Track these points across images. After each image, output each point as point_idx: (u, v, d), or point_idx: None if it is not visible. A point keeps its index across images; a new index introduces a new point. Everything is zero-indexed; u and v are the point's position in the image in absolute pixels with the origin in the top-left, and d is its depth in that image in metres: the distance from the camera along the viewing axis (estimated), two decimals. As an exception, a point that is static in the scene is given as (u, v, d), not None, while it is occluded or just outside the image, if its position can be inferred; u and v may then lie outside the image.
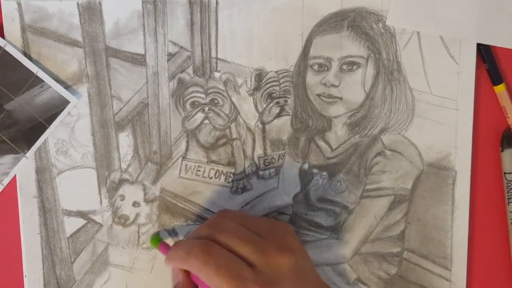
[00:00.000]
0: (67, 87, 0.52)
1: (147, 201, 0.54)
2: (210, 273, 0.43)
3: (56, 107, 0.51)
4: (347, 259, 0.55)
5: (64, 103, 0.51)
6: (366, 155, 0.54)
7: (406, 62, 0.53)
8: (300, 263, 0.45)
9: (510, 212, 0.54)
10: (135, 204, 0.54)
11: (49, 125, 0.51)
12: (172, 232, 0.54)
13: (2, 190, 0.52)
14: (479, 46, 0.53)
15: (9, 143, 0.51)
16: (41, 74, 0.50)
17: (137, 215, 0.54)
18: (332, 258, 0.55)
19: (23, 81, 0.50)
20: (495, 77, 0.53)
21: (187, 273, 0.46)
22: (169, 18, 0.52)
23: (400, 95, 0.53)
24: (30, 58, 0.51)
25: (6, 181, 0.52)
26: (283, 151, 0.54)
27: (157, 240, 0.52)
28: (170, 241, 0.54)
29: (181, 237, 0.54)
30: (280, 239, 0.46)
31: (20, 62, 0.50)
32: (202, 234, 0.46)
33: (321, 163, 0.54)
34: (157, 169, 0.54)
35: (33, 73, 0.50)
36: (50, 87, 0.50)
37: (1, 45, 0.50)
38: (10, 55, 0.50)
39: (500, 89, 0.53)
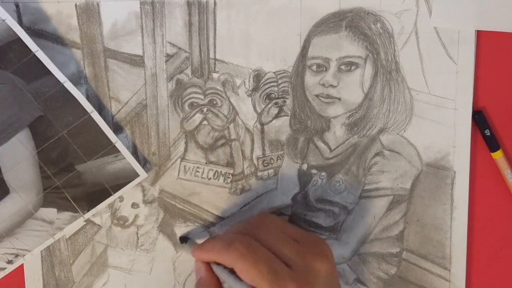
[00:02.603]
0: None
1: (146, 202, 0.54)
2: (248, 267, 0.43)
3: (125, 178, 0.52)
4: (346, 260, 0.55)
5: (134, 175, 0.52)
6: (365, 155, 0.54)
7: (404, 62, 0.53)
8: (333, 271, 0.47)
9: None
10: (134, 205, 0.54)
11: (114, 193, 0.52)
12: (172, 234, 0.54)
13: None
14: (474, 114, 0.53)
15: (71, 201, 0.51)
16: (119, 145, 0.51)
17: (136, 216, 0.54)
18: (331, 258, 0.55)
19: (100, 148, 0.51)
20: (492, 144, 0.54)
21: (209, 268, 0.47)
22: (167, 19, 0.52)
23: (399, 95, 0.53)
24: (111, 127, 0.52)
25: (58, 236, 0.52)
26: (282, 152, 0.54)
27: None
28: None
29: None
30: (316, 247, 0.47)
31: (103, 131, 0.51)
32: (242, 231, 0.47)
33: (320, 163, 0.54)
34: (156, 170, 0.54)
35: (111, 142, 0.51)
36: (124, 158, 0.51)
37: (88, 111, 0.50)
38: (95, 122, 0.51)
39: (498, 155, 0.54)
